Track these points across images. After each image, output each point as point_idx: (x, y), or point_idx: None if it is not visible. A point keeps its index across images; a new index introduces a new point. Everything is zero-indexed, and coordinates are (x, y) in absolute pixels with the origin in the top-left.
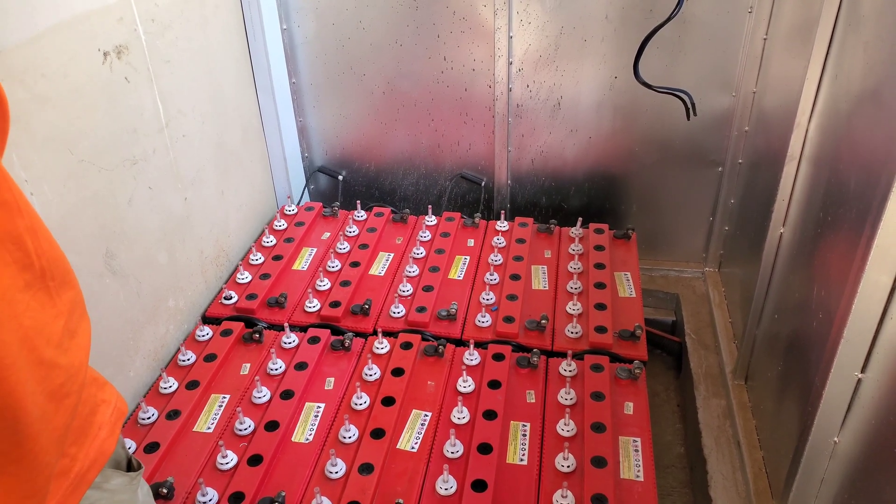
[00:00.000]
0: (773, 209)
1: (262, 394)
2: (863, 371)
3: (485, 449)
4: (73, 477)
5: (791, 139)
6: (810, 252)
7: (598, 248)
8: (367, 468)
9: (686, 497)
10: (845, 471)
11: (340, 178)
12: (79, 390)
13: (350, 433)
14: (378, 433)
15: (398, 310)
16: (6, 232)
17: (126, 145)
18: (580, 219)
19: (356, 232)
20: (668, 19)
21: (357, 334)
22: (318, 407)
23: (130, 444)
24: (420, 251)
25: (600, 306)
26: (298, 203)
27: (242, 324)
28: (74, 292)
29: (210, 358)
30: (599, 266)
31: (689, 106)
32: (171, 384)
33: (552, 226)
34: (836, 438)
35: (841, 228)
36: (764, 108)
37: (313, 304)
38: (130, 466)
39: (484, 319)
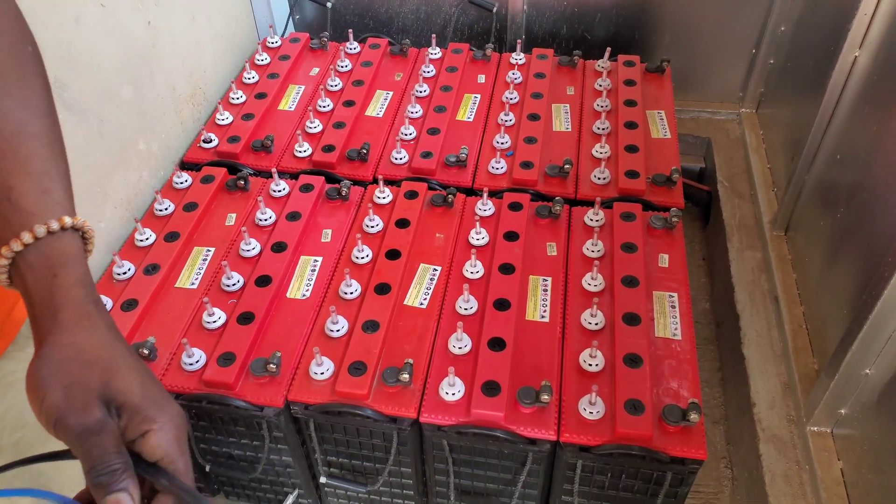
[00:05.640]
0: (850, 27)
1: (251, 246)
2: None
3: (502, 305)
4: None
5: None
6: None
7: (629, 83)
8: (371, 325)
9: (711, 354)
10: None
11: (329, 4)
12: None
13: (352, 289)
14: (383, 288)
15: (400, 155)
16: None
17: None
18: (608, 49)
19: (349, 67)
20: None
21: (355, 182)
22: (315, 261)
23: (106, 301)
24: (423, 88)
25: (631, 148)
26: (282, 34)
27: (225, 170)
28: None
29: (190, 207)
30: (630, 103)
31: None
32: (147, 236)
33: (576, 58)
34: None
35: None
36: None
37: (304, 149)
38: None
39: (498, 165)
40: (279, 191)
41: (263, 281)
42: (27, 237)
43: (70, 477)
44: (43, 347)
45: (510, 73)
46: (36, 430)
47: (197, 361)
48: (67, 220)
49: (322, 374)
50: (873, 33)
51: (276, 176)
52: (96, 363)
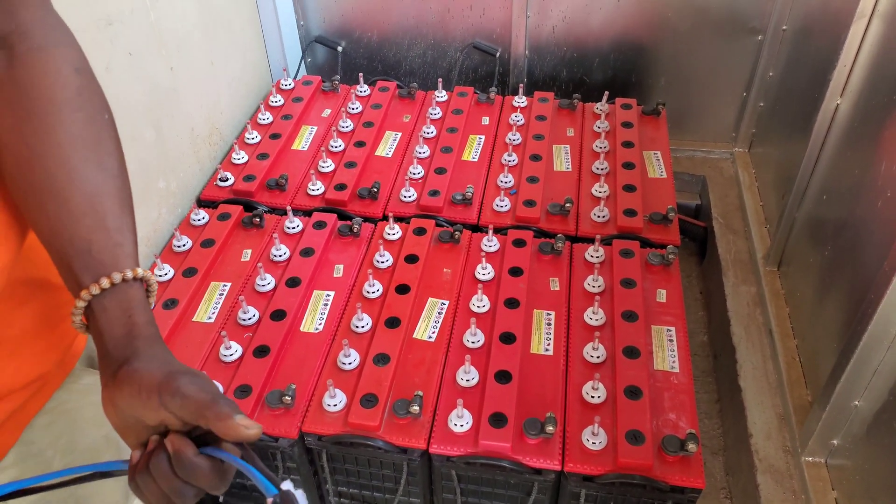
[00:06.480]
0: (832, 77)
1: (266, 281)
2: None
3: (507, 338)
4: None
5: None
6: (878, 123)
7: (626, 124)
8: (382, 358)
9: (709, 385)
10: None
11: (340, 49)
12: None
13: (363, 322)
14: (393, 322)
15: (409, 193)
16: None
17: (98, 2)
18: (606, 93)
19: (359, 108)
20: None
21: (366, 219)
22: (328, 295)
23: None
24: (430, 130)
25: (629, 188)
26: (295, 77)
27: (241, 207)
28: None
29: (207, 243)
30: (627, 144)
31: None
32: (166, 271)
33: (575, 101)
34: None
35: None
36: None
37: (317, 187)
38: None
39: (502, 203)
40: (293, 227)
41: (278, 315)
42: (105, 283)
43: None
44: (125, 366)
45: (513, 116)
46: (85, 456)
47: None
48: (139, 272)
49: (335, 405)
50: (853, 83)
51: (290, 213)
52: (175, 365)
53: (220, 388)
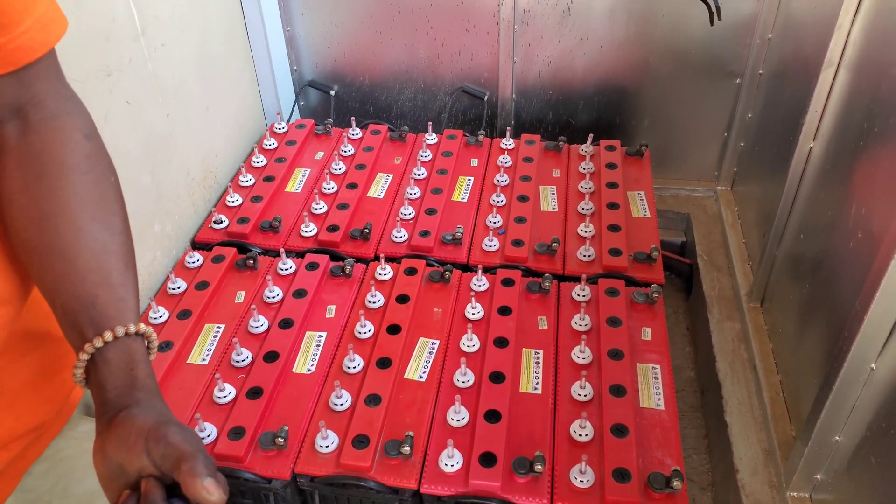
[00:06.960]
0: (804, 121)
1: (260, 323)
2: None
3: (497, 378)
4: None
5: (830, 43)
6: (848, 167)
7: (610, 166)
8: (374, 399)
9: (697, 421)
10: (880, 398)
11: (332, 92)
12: None
13: (355, 363)
14: (384, 363)
15: (400, 234)
16: None
17: (98, 54)
18: (591, 135)
19: (352, 151)
20: None
21: (358, 260)
22: (320, 336)
23: None
24: (421, 171)
25: (614, 228)
26: (288, 120)
27: (235, 249)
28: None
29: (202, 286)
30: (612, 185)
31: (715, 9)
32: (161, 314)
33: (561, 143)
34: (873, 365)
35: (891, 140)
36: (794, 11)
37: (310, 229)
38: None
39: (491, 243)
40: (286, 269)
41: (271, 357)
42: (108, 336)
43: None
44: (123, 411)
45: (501, 158)
46: (81, 501)
47: (208, 436)
48: (142, 327)
49: (327, 447)
50: (824, 128)
51: (283, 255)
52: (170, 417)
53: (214, 433)
